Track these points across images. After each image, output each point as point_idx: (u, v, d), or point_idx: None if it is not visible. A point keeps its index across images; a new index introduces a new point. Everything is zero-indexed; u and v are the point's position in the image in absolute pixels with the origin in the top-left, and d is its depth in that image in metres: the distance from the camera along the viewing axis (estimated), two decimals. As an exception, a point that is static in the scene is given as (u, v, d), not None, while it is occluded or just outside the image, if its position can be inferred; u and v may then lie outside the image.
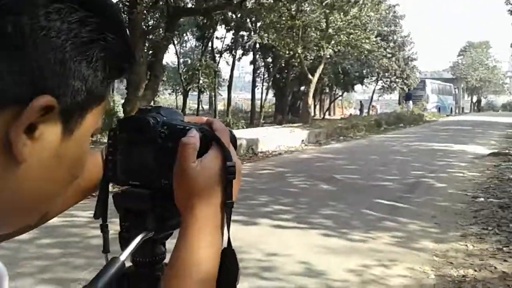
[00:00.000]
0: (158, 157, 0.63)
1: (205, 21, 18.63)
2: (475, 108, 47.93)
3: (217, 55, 23.65)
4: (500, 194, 6.94)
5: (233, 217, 0.61)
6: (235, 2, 12.84)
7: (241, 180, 0.65)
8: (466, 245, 4.65)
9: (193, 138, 0.60)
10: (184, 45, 28.57)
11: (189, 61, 27.42)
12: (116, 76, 0.51)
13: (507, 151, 11.67)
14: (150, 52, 13.77)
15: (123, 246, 0.62)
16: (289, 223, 5.30)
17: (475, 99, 50.23)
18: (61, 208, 0.72)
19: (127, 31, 0.54)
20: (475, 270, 4.00)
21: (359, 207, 6.05)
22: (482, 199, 6.63)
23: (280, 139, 13.00)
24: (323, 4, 16.54)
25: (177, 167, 0.60)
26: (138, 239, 0.61)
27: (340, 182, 7.79)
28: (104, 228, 0.67)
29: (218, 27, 20.72)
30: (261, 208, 5.92)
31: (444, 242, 4.75)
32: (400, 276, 3.87)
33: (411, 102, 29.96)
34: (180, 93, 29.08)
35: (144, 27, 12.73)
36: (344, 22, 17.96)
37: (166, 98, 41.97)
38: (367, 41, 19.48)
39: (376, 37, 22.13)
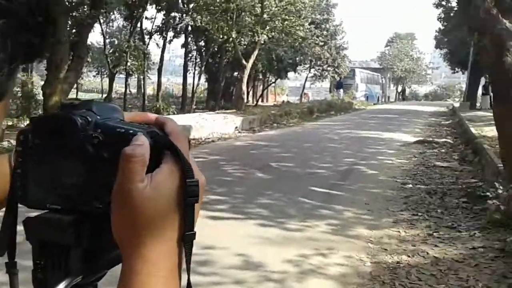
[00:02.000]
0: (88, 172, 0.45)
1: (134, -1, 17.84)
2: (400, 97, 50.17)
3: (147, 37, 22.76)
4: (427, 181, 7.22)
5: None
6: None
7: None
8: (399, 231, 4.75)
9: (141, 147, 0.42)
10: (110, 24, 27.22)
11: (116, 42, 26.19)
12: (24, 58, 0.34)
13: (431, 139, 12.23)
14: (74, 30, 12.90)
15: None
16: (225, 214, 5.16)
17: (400, 88, 52.57)
18: None
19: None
20: (409, 256, 4.08)
21: (295, 196, 6.03)
22: (410, 185, 6.86)
23: (213, 125, 12.79)
24: (258, -12, 16.41)
25: (118, 188, 0.42)
26: None
27: (276, 170, 7.75)
28: (11, 269, 0.49)
29: (148, 6, 19.87)
30: (195, 197, 5.72)
31: (378, 229, 4.83)
32: (337, 265, 3.86)
33: (341, 90, 30.80)
34: (106, 76, 27.85)
35: (67, 3, 11.89)
36: (279, 8, 17.97)
37: (91, 80, 40.00)
38: (301, 28, 19.63)
39: (309, 24, 22.36)
